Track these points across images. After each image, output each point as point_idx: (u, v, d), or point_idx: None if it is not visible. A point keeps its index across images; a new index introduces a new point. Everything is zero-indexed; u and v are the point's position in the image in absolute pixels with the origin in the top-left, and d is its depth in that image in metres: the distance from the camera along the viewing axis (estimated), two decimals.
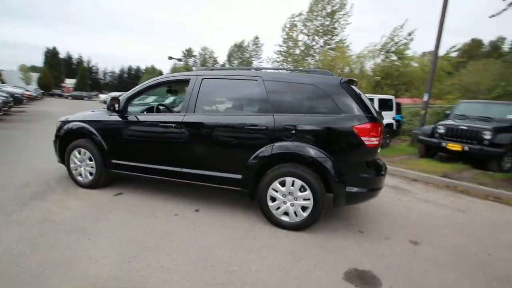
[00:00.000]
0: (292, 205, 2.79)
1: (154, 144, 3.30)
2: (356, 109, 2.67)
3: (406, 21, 14.61)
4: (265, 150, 2.80)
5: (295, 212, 2.79)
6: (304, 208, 2.76)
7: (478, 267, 2.40)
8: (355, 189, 2.68)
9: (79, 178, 3.71)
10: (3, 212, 2.87)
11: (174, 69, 59.44)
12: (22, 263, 2.08)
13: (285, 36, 26.99)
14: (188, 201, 3.43)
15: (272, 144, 2.79)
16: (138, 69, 70.23)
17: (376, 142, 2.66)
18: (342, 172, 2.65)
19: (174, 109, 4.53)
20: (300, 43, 26.55)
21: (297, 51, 26.99)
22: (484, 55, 35.41)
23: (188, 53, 50.81)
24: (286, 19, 27.71)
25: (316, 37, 25.84)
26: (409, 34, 14.64)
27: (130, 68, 71.74)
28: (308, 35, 26.07)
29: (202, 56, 50.84)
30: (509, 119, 6.49)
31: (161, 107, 4.11)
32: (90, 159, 3.59)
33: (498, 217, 3.65)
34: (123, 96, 3.47)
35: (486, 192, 4.48)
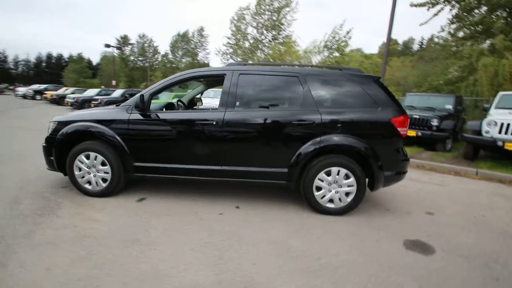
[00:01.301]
0: (336, 192, 3.04)
1: (189, 143, 3.11)
2: (390, 103, 3.04)
3: (345, 21, 16.34)
4: (313, 143, 2.97)
5: (339, 199, 3.05)
6: (347, 194, 3.04)
7: (483, 226, 3.07)
8: (389, 173, 3.08)
9: (87, 186, 3.25)
10: (19, 235, 2.38)
11: (104, 58, 52.98)
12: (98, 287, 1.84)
13: (234, 29, 26.95)
14: (223, 200, 3.37)
15: (319, 138, 2.97)
16: (60, 58, 60.20)
17: (406, 132, 3.10)
18: (381, 159, 3.01)
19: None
20: (249, 36, 26.84)
21: (247, 44, 27.26)
22: (399, 53, 41.84)
23: (124, 41, 45.85)
24: (234, 12, 27.62)
25: (265, 31, 26.43)
26: (347, 33, 16.51)
27: (49, 56, 60.88)
28: (257, 29, 26.49)
29: (140, 44, 46.47)
30: (448, 109, 8.01)
31: (179, 104, 3.83)
32: (103, 164, 3.18)
33: (467, 187, 4.59)
34: (145, 92, 3.14)
35: (448, 168, 5.53)
